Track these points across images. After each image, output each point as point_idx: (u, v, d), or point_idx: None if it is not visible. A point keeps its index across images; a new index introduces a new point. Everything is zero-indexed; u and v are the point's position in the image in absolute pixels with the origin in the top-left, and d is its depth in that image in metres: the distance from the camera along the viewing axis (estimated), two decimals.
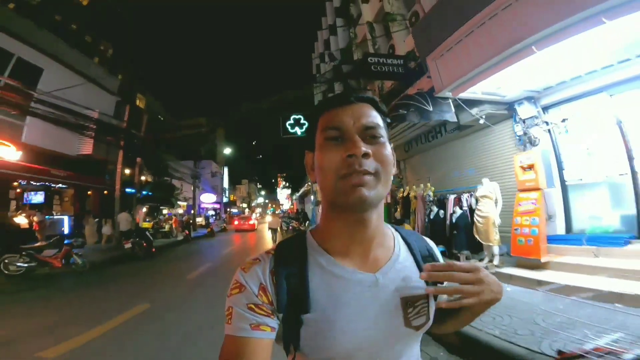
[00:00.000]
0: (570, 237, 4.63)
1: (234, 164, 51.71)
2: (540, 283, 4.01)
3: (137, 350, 3.22)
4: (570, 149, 4.90)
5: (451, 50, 4.77)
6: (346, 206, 0.58)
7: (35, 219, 11.66)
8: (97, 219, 14.46)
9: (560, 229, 4.84)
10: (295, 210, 34.61)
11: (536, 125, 5.00)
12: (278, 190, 69.70)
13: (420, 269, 0.65)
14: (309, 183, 24.39)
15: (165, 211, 24.37)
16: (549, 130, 5.02)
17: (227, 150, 33.78)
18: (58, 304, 5.11)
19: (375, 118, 0.61)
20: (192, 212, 28.97)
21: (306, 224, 19.50)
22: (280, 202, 66.34)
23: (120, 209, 15.21)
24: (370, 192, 0.56)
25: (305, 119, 18.76)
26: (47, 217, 12.72)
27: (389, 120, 0.65)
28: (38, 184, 14.07)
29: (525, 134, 5.09)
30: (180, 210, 28.36)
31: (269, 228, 15.32)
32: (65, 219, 14.86)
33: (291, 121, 18.69)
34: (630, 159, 4.14)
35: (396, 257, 0.65)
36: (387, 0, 10.34)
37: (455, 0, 4.83)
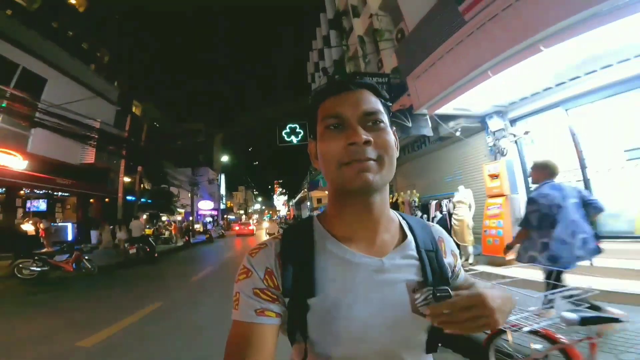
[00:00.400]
0: None
1: (230, 170, 52.23)
2: (504, 277, 4.60)
3: (157, 340, 3.75)
4: (534, 158, 5.54)
5: (427, 72, 5.43)
6: (352, 191, 0.59)
7: (41, 225, 12.12)
8: (111, 226, 14.89)
9: None
10: (292, 216, 35.09)
11: (504, 137, 5.65)
12: (275, 196, 70.05)
13: (422, 261, 0.64)
14: (305, 190, 24.94)
15: (164, 218, 24.78)
16: (515, 142, 5.66)
17: (225, 158, 34.19)
18: (79, 303, 5.64)
19: (376, 104, 0.62)
20: (191, 218, 29.40)
21: None
22: (277, 208, 66.70)
23: (123, 216, 15.74)
24: (374, 176, 0.57)
25: (300, 128, 19.39)
26: (52, 224, 13.19)
27: (390, 104, 0.66)
28: (41, 192, 14.56)
29: (495, 145, 5.74)
30: (179, 217, 28.80)
31: (267, 234, 15.28)
32: (69, 225, 15.33)
33: (287, 130, 19.25)
34: (583, 167, 4.78)
35: (405, 244, 0.65)
36: (376, 17, 11.06)
37: (428, 28, 5.50)
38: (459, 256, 0.74)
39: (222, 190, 48.56)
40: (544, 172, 3.06)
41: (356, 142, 0.56)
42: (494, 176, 5.40)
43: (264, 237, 9.46)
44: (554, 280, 2.53)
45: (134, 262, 11.06)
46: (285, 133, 19.21)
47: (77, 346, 3.52)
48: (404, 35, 8.63)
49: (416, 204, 7.44)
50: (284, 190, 43.48)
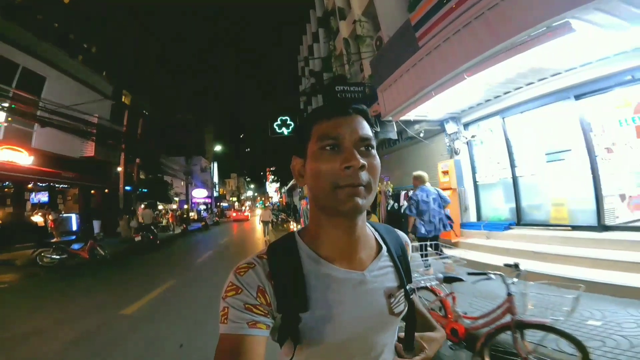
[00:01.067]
0: (475, 223, 6.47)
1: (222, 158, 52.77)
2: (450, 258, 5.83)
3: (179, 308, 4.87)
4: (481, 157, 6.71)
5: (392, 86, 6.50)
6: (339, 213, 0.62)
7: (50, 217, 13.08)
8: (127, 215, 15.77)
9: (473, 217, 6.68)
10: (284, 203, 36.19)
11: (457, 139, 6.80)
12: (267, 183, 70.91)
13: (396, 266, 0.73)
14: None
15: (160, 207, 25.68)
16: (467, 143, 6.82)
17: (217, 147, 34.92)
18: (105, 284, 6.75)
19: (369, 130, 0.64)
20: (186, 207, 30.36)
21: (296, 216, 21.10)
22: (270, 195, 67.71)
23: (123, 207, 16.70)
24: (363, 201, 0.60)
25: (291, 120, 20.28)
26: (60, 215, 14.13)
27: (377, 129, 1.17)
28: (43, 185, 15.38)
29: (450, 145, 6.89)
30: (174, 206, 29.74)
31: (261, 221, 15.31)
32: (73, 216, 16.23)
33: (278, 122, 20.22)
34: (513, 167, 5.95)
35: (380, 256, 0.71)
36: (359, 22, 11.96)
37: (394, 48, 6.53)
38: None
39: (215, 178, 49.40)
40: (418, 180, 4.99)
41: (353, 166, 0.58)
42: (445, 172, 6.59)
43: (257, 223, 10.87)
44: (430, 245, 3.96)
45: (140, 248, 12.15)
46: (277, 125, 20.20)
47: (120, 314, 4.60)
48: (382, 44, 9.60)
49: (390, 194, 8.61)
50: (276, 178, 44.46)
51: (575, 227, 4.85)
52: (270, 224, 15.28)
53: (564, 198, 5.08)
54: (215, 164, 47.98)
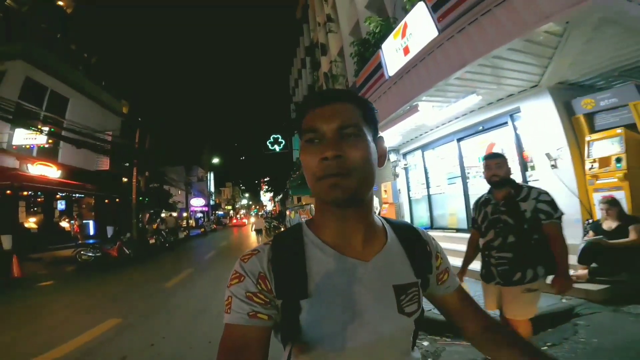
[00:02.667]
0: None
1: (218, 168, 55.04)
2: None
3: (199, 285, 7.28)
4: (413, 179, 9.33)
5: None
6: (327, 204, 0.63)
7: (76, 223, 15.45)
8: (159, 220, 18.12)
9: None
10: (277, 212, 38.60)
11: (397, 165, 9.42)
12: (261, 192, 73.24)
13: (410, 259, 0.70)
14: (287, 188, 28.26)
15: (162, 214, 27.99)
16: (404, 168, 9.44)
17: (215, 160, 37.36)
18: (141, 272, 9.22)
19: (353, 115, 0.62)
20: (185, 215, 32.66)
21: (285, 223, 23.54)
22: (264, 204, 69.95)
23: (135, 215, 19.06)
24: (345, 191, 0.58)
25: (282, 138, 22.88)
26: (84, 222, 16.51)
27: (376, 110, 0.68)
28: (63, 194, 17.72)
29: (392, 171, 9.51)
30: (175, 214, 32.03)
31: (254, 229, 14.91)
32: (91, 223, 18.56)
33: (271, 140, 22.94)
34: (428, 187, 8.56)
35: (387, 248, 0.69)
36: (334, 62, 14.65)
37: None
38: (444, 259, 0.78)
39: (211, 188, 51.72)
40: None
41: (327, 157, 0.58)
42: (385, 191, 9.24)
43: (250, 230, 13.85)
44: None
45: (155, 249, 14.59)
46: (269, 142, 22.92)
47: (162, 287, 7.05)
48: (348, 87, 12.24)
49: None
50: (269, 188, 47.07)
51: (458, 230, 7.41)
52: (263, 232, 15.07)
53: (455, 209, 7.69)
54: (212, 174, 50.42)
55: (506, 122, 5.83)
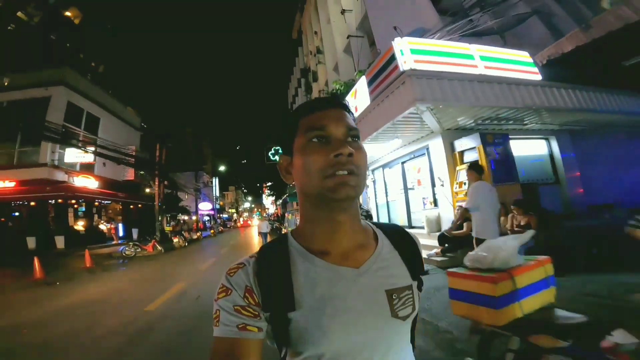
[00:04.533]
0: None
1: (221, 173, 58.13)
2: None
3: (223, 269, 10.50)
4: (379, 189, 12.41)
5: None
6: (333, 202, 0.62)
7: (112, 226, 18.66)
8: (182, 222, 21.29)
9: None
10: (279, 214, 41.74)
11: (367, 178, 12.49)
12: (264, 196, 76.43)
13: (405, 263, 0.70)
14: (286, 195, 31.27)
15: (179, 217, 31.20)
16: (373, 181, 12.52)
17: (222, 168, 40.52)
18: (175, 262, 12.41)
19: (353, 121, 0.67)
20: (194, 218, 35.86)
21: (285, 224, 26.65)
22: (266, 207, 73.04)
23: (157, 218, 22.23)
24: (354, 188, 0.61)
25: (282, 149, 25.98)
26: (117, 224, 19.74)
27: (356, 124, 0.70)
28: (100, 201, 20.89)
29: None
30: (186, 217, 35.25)
31: (260, 232, 14.66)
32: (120, 225, 21.73)
33: (272, 151, 26.12)
34: (387, 195, 11.65)
35: (378, 252, 0.69)
36: (321, 93, 17.76)
37: None
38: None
39: (217, 192, 54.99)
40: None
41: (342, 154, 0.60)
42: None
43: (255, 235, 17.58)
44: None
45: (177, 247, 17.78)
46: (271, 154, 26.19)
47: (198, 269, 10.19)
48: None
49: None
50: (272, 192, 50.28)
51: (405, 228, 10.53)
52: (268, 236, 14.55)
53: (402, 212, 10.78)
54: (217, 179, 53.68)
55: (424, 153, 8.94)
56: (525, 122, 7.75)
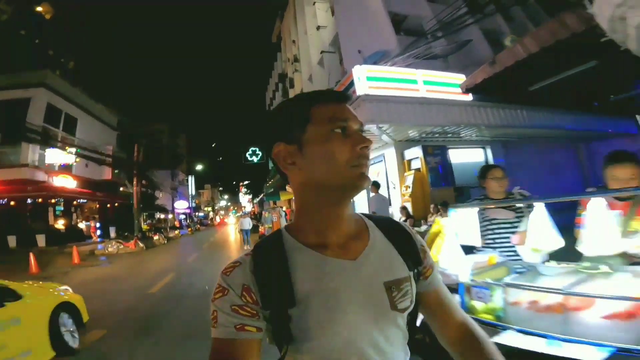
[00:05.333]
0: None
1: (197, 171, 57.96)
2: None
3: (205, 262, 11.52)
4: None
5: None
6: (353, 191, 0.64)
7: (92, 224, 19.19)
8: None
9: None
10: (255, 212, 42.60)
11: None
12: (240, 194, 76.64)
13: (401, 254, 0.69)
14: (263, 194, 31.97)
15: (157, 216, 31.55)
16: None
17: (199, 167, 40.92)
18: (160, 256, 13.40)
19: None
20: (171, 216, 36.23)
21: (262, 221, 27.63)
22: (243, 205, 73.37)
23: (136, 217, 22.75)
24: (369, 178, 0.64)
25: (259, 150, 26.88)
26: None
27: None
28: (79, 200, 21.25)
29: None
30: (162, 215, 35.53)
31: (240, 230, 14.34)
32: (98, 224, 22.10)
33: (250, 152, 27.09)
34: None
35: (372, 243, 0.68)
36: None
37: None
38: (428, 254, 0.76)
39: (192, 191, 54.96)
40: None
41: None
42: None
43: (234, 232, 19.00)
44: None
45: (156, 244, 18.60)
46: (248, 154, 27.16)
47: (184, 261, 11.28)
48: None
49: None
50: (248, 191, 51.11)
51: None
52: (250, 233, 13.89)
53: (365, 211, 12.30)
54: (193, 177, 53.65)
55: (382, 160, 10.47)
56: (462, 135, 9.43)
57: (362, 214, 0.74)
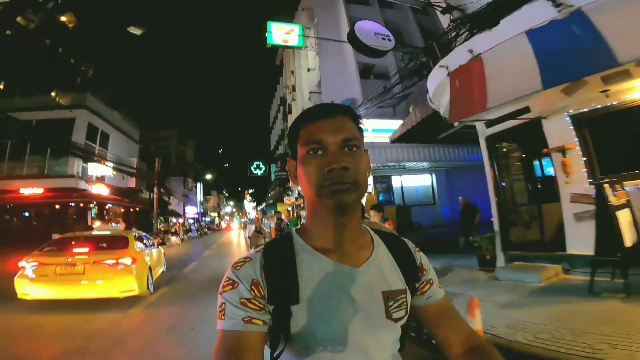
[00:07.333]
0: None
1: (204, 179, 61.36)
2: None
3: (217, 256, 15.10)
4: None
5: None
6: (328, 211, 0.65)
7: (121, 226, 22.82)
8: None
9: None
10: (259, 219, 46.00)
11: None
12: (245, 201, 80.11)
13: (400, 267, 0.73)
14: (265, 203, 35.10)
15: (171, 220, 35.18)
16: None
17: (208, 176, 44.64)
18: (180, 252, 17.02)
19: (353, 130, 0.68)
20: (181, 221, 39.83)
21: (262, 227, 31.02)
22: (247, 211, 76.60)
23: (156, 220, 26.40)
24: (348, 199, 0.63)
25: (263, 164, 30.51)
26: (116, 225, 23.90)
27: (362, 124, 0.73)
28: (110, 205, 24.96)
29: None
30: (174, 219, 39.09)
31: (247, 237, 14.28)
32: (124, 226, 25.73)
33: (254, 165, 30.67)
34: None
35: (376, 254, 0.72)
36: None
37: None
38: (429, 270, 0.79)
39: (200, 197, 58.63)
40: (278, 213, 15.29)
41: (335, 169, 0.62)
42: None
43: (241, 237, 23.25)
44: None
45: (173, 243, 22.22)
46: (252, 167, 30.78)
47: (201, 256, 14.88)
48: None
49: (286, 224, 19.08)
50: (253, 199, 54.70)
51: None
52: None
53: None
54: (201, 184, 57.33)
55: None
56: (405, 166, 12.98)
57: (370, 227, 0.80)
